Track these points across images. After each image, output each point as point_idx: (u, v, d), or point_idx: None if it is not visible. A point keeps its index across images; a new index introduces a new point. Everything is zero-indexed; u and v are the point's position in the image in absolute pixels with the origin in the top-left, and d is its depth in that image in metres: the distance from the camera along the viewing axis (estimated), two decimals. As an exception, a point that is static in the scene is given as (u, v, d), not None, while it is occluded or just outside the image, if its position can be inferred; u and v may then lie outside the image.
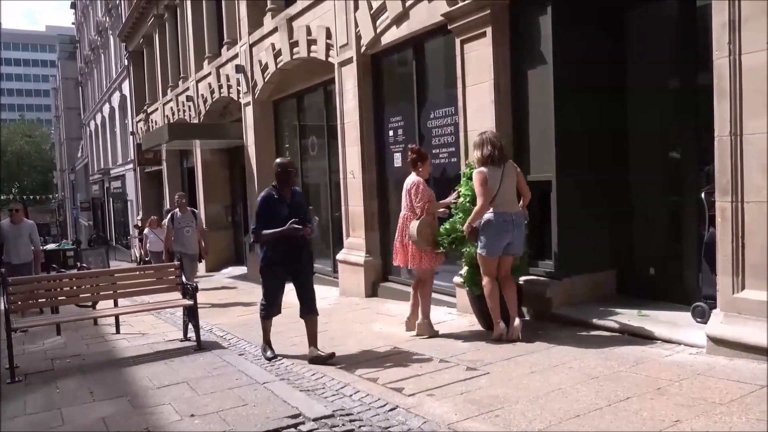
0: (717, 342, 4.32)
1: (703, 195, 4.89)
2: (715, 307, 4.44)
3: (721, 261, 4.32)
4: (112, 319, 7.50)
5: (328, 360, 5.18)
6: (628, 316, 5.40)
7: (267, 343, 5.68)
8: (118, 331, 7.41)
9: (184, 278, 6.81)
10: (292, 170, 5.55)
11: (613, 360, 4.48)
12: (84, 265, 13.61)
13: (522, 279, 5.95)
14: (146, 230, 13.96)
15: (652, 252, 6.00)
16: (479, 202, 5.27)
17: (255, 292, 11.01)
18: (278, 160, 5.67)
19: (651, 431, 3.21)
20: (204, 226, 10.77)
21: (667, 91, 5.92)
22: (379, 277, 8.73)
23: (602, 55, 6.02)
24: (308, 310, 5.52)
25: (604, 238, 6.16)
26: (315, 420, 3.79)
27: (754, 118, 4.07)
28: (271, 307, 5.57)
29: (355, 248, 8.98)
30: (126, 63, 24.51)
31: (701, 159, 5.22)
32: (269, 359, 5.47)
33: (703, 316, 4.81)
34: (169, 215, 9.97)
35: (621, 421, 3.37)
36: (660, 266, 5.94)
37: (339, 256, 9.39)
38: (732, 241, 4.22)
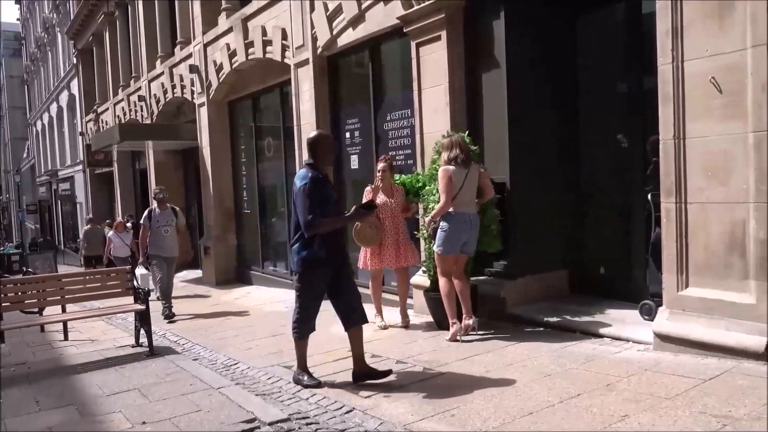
0: (663, 338, 4.47)
1: (650, 196, 5.06)
2: (661, 305, 4.60)
3: (667, 260, 4.48)
4: (60, 326, 7.26)
5: (381, 376, 4.38)
6: (580, 315, 5.54)
7: (304, 368, 4.58)
8: (66, 338, 7.17)
9: (137, 282, 6.65)
10: (334, 144, 4.58)
11: (565, 358, 4.59)
12: (30, 269, 13.14)
13: (477, 279, 6.04)
14: (110, 233, 12.77)
15: (603, 252, 6.17)
16: (443, 198, 5.33)
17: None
18: (316, 132, 4.64)
19: (600, 426, 3.30)
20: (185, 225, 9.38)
21: (616, 94, 6.11)
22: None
23: (554, 58, 6.16)
24: (360, 316, 4.52)
25: (557, 238, 6.30)
26: (271, 424, 3.75)
27: (697, 122, 4.23)
28: (310, 321, 4.52)
29: (312, 250, 8.91)
30: (75, 61, 23.78)
31: (648, 161, 5.39)
32: (311, 386, 4.39)
33: (650, 314, 4.97)
34: (146, 211, 8.82)
35: (572, 417, 3.45)
36: (610, 266, 6.11)
37: (296, 259, 9.32)
38: (676, 240, 4.38)
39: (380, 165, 6.22)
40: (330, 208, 4.34)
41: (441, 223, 5.39)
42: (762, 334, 3.93)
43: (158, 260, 8.66)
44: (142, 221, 8.77)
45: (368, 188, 6.32)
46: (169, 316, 8.32)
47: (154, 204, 8.81)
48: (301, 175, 4.33)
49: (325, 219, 4.25)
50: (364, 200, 6.15)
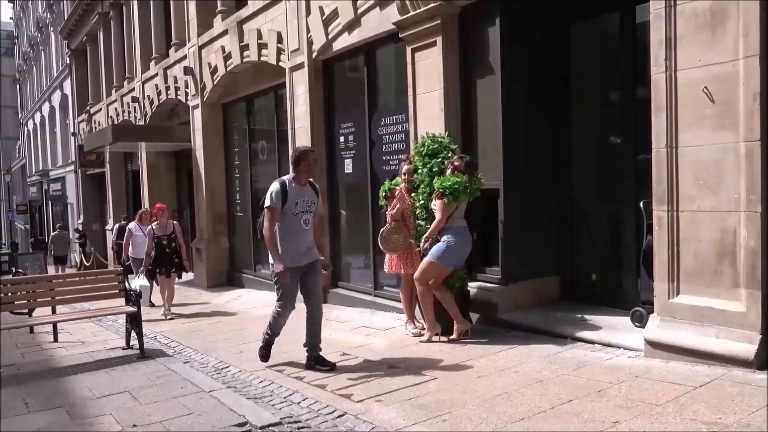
0: (654, 345, 4.49)
1: (642, 204, 5.09)
2: (652, 312, 4.63)
3: (658, 267, 4.51)
4: (50, 327, 7.21)
5: None
6: (571, 321, 5.57)
7: None
8: (56, 340, 7.12)
9: (127, 284, 6.60)
10: None
11: (556, 364, 4.61)
12: (20, 270, 13.06)
13: (470, 285, 6.05)
14: (131, 225, 10.36)
15: (594, 259, 6.20)
16: (438, 216, 5.33)
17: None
18: None
19: (592, 432, 3.32)
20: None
21: (608, 103, 6.15)
22: (328, 283, 8.69)
23: (548, 66, 6.20)
24: None
25: (549, 245, 6.33)
26: (262, 428, 3.74)
27: (689, 131, 4.27)
28: None
29: (304, 254, 8.90)
30: (68, 61, 23.67)
31: (640, 170, 5.43)
32: None
33: (641, 321, 5.00)
34: (277, 185, 4.89)
35: (563, 423, 3.46)
36: (601, 273, 6.14)
37: (288, 262, 9.30)
38: (668, 248, 4.41)
39: (406, 166, 5.96)
40: None
41: (447, 237, 5.35)
42: (751, 341, 3.97)
43: (292, 274, 4.94)
44: (269, 203, 4.90)
45: (403, 186, 5.95)
46: (332, 367, 4.98)
47: (290, 176, 5.04)
48: None
49: None
50: (392, 207, 5.88)
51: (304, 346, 5.12)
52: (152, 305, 9.31)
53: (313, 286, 5.10)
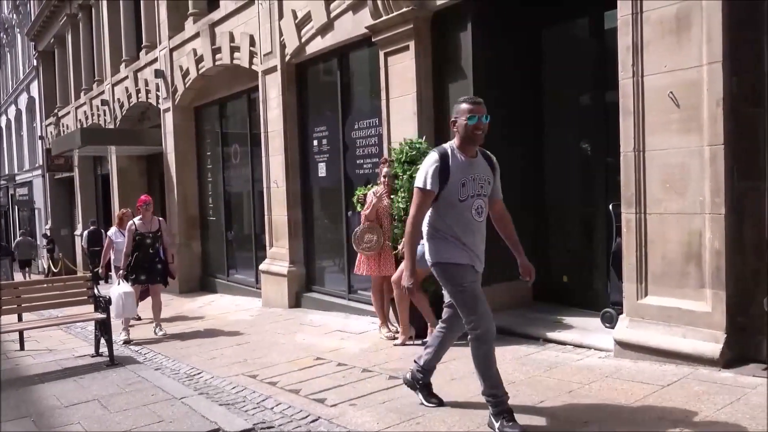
0: (623, 346, 4.57)
1: (611, 207, 5.18)
2: (622, 313, 4.71)
3: (627, 269, 4.59)
4: (16, 335, 7.03)
5: None
6: (544, 323, 5.63)
7: None
8: (22, 348, 6.95)
9: (96, 291, 6.48)
10: None
11: (529, 365, 4.65)
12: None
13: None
14: (111, 232, 9.21)
15: (566, 261, 6.28)
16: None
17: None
18: None
19: (563, 433, 3.36)
20: None
21: (579, 107, 6.25)
22: (303, 287, 8.67)
23: (520, 70, 6.28)
24: None
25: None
26: (235, 434, 3.71)
27: (656, 135, 4.36)
28: None
29: (278, 258, 8.87)
30: (35, 63, 23.20)
31: (610, 173, 5.52)
32: None
33: (611, 322, 5.08)
34: (437, 155, 3.49)
35: (535, 424, 3.49)
36: (573, 274, 6.22)
37: (262, 267, 9.25)
38: (636, 250, 4.50)
39: (386, 169, 5.93)
40: None
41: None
42: (717, 341, 4.06)
43: (472, 277, 3.80)
44: (421, 183, 3.50)
45: (379, 188, 5.95)
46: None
47: (452, 142, 3.61)
48: None
49: None
50: (367, 207, 5.89)
51: (484, 394, 3.50)
52: (139, 318, 8.28)
53: (476, 302, 3.59)
